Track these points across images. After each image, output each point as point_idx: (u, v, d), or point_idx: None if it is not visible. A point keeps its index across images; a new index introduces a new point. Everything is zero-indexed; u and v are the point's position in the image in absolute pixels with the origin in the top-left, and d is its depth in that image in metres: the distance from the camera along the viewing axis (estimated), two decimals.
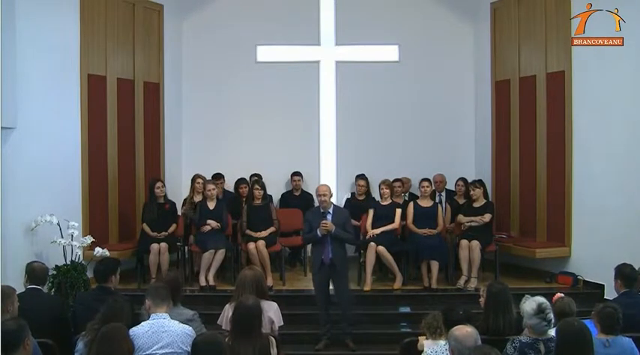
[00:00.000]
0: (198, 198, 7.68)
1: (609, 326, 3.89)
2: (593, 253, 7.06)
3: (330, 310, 6.25)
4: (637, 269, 4.91)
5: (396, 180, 7.98)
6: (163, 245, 7.15)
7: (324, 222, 6.07)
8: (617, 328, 3.90)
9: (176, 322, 3.96)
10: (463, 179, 8.12)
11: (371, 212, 7.36)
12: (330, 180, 7.84)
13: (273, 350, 3.93)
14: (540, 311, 3.79)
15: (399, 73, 8.74)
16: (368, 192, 8.40)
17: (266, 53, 8.30)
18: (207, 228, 7.26)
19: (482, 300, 4.49)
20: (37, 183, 6.64)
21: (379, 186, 7.47)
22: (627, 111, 6.80)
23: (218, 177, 8.33)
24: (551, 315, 3.83)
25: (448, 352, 3.43)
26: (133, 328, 3.81)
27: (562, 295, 4.43)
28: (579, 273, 7.26)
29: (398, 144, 8.95)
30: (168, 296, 4.11)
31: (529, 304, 3.84)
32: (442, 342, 3.99)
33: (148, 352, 3.74)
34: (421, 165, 8.43)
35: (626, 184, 6.79)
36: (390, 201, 7.42)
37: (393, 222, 7.27)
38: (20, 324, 3.37)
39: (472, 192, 7.52)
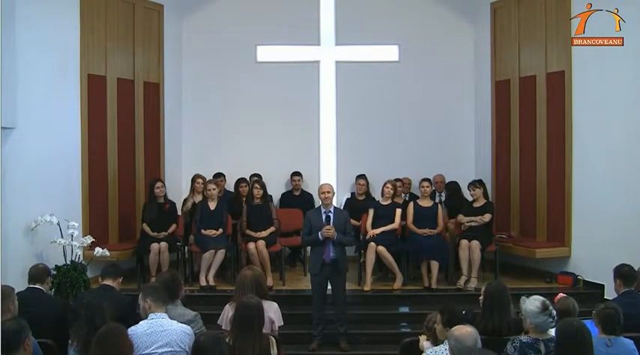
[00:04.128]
0: (198, 198, 7.68)
1: (610, 327, 3.89)
2: (593, 253, 7.06)
3: (324, 310, 6.26)
4: (637, 269, 4.91)
5: (397, 180, 7.99)
6: (163, 244, 7.16)
7: (327, 227, 6.12)
8: (618, 328, 3.90)
9: (174, 321, 3.96)
10: (452, 182, 8.26)
11: (371, 212, 7.36)
12: (330, 180, 7.82)
13: (274, 350, 3.93)
14: (545, 308, 3.80)
15: (399, 73, 8.73)
16: (368, 192, 8.40)
17: (266, 53, 8.28)
18: (212, 232, 7.28)
19: (482, 299, 4.50)
20: (37, 183, 6.64)
21: (384, 185, 7.44)
22: (627, 111, 6.80)
23: (218, 176, 8.34)
24: (554, 311, 3.84)
25: (448, 352, 3.43)
26: (132, 327, 3.81)
27: (564, 295, 4.43)
28: (579, 273, 7.26)
29: (398, 144, 8.95)
30: (167, 295, 4.11)
31: (532, 303, 3.83)
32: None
33: (146, 351, 3.74)
34: (421, 165, 8.43)
35: (625, 184, 6.79)
36: (390, 201, 7.42)
37: (393, 222, 7.27)
38: (20, 324, 3.38)
39: (472, 192, 7.53)
